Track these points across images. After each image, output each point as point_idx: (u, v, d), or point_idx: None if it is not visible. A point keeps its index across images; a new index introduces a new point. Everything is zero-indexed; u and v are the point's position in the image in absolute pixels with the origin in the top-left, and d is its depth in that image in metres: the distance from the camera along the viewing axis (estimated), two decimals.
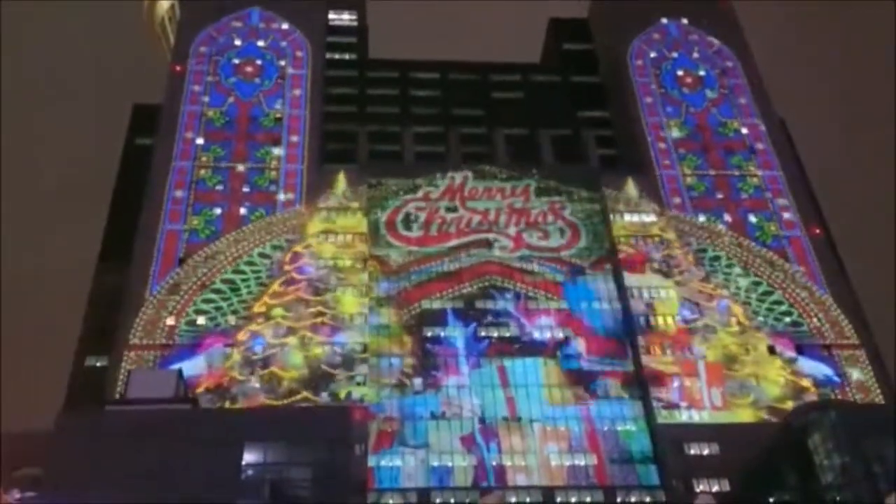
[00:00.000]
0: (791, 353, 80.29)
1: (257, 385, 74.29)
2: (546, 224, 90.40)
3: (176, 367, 71.46)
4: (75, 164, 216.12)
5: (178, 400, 64.40)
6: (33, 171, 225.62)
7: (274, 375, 75.13)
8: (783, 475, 64.09)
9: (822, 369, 79.60)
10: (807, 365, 79.71)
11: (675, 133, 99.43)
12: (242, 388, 74.07)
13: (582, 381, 78.41)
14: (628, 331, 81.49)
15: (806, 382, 78.21)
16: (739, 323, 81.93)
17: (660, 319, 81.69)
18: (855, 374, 79.41)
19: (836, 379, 79.13)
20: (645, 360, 78.43)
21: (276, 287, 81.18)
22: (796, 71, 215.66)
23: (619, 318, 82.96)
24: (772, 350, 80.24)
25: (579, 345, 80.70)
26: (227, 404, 72.65)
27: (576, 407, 76.40)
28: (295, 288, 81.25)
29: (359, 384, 75.16)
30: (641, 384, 77.54)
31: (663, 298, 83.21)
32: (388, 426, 74.16)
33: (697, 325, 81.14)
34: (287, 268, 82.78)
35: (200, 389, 73.21)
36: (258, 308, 79.43)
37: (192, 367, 74.31)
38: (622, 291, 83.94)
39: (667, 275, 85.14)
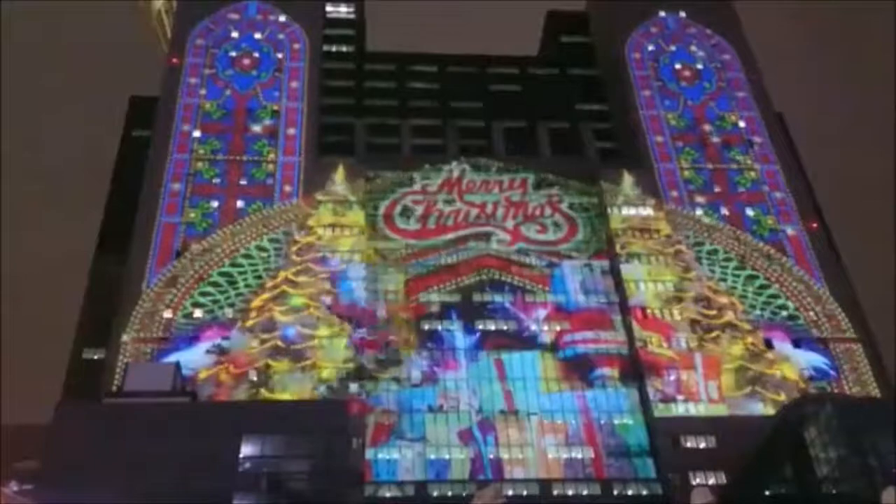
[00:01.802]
0: (788, 347, 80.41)
1: (297, 375, 74.30)
2: (544, 217, 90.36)
3: (173, 359, 71.45)
4: (72, 156, 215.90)
5: (177, 393, 64.43)
6: (31, 164, 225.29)
7: (316, 367, 75.26)
8: (780, 468, 64.20)
9: (819, 363, 79.75)
10: (803, 358, 79.89)
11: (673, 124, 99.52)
12: (282, 379, 73.98)
13: (579, 372, 78.50)
14: (625, 323, 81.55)
15: (803, 376, 78.38)
16: (738, 317, 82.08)
17: (657, 312, 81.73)
18: (851, 368, 79.56)
19: (832, 372, 79.31)
20: (642, 352, 78.51)
21: (290, 276, 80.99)
22: (794, 64, 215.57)
23: (616, 311, 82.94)
24: (769, 344, 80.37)
25: (576, 337, 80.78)
26: (265, 392, 72.72)
27: (573, 400, 76.49)
28: (315, 279, 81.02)
29: (356, 378, 75.12)
30: (638, 374, 77.62)
31: (661, 291, 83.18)
32: (386, 419, 74.18)
33: (717, 322, 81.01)
34: (296, 258, 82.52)
35: (212, 376, 73.30)
36: (261, 300, 79.03)
37: (192, 357, 74.21)
38: (620, 284, 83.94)
39: (669, 268, 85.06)
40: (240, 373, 74.09)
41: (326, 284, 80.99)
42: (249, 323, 77.45)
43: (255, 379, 73.77)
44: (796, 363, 79.33)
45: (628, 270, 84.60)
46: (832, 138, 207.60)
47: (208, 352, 75.38)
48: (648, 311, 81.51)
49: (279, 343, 76.23)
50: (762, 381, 77.14)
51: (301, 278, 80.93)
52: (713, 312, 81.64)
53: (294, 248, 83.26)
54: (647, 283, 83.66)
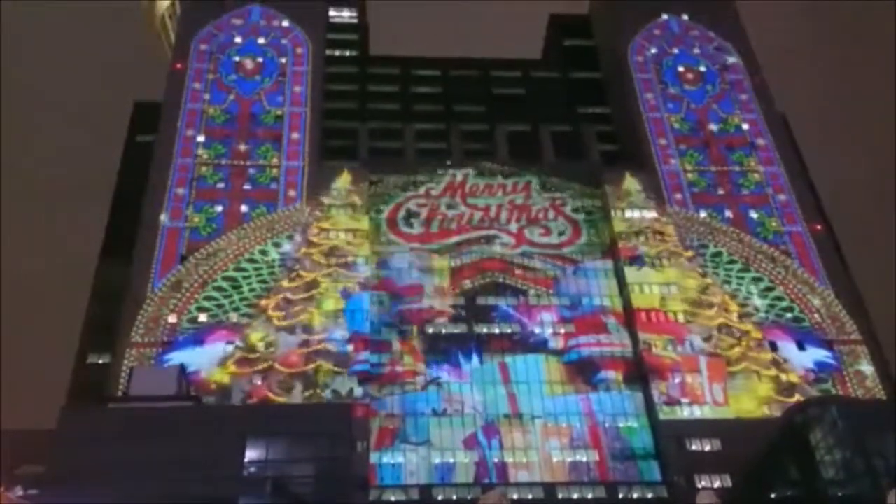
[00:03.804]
0: (793, 349, 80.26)
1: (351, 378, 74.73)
2: (547, 220, 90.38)
3: (177, 362, 71.76)
4: (77, 161, 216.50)
5: (181, 397, 64.57)
6: (35, 169, 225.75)
7: None
8: (785, 471, 64.07)
9: (823, 365, 79.60)
10: (808, 360, 79.74)
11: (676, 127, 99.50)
12: (342, 381, 74.29)
13: (584, 375, 78.45)
14: (629, 326, 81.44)
15: (807, 378, 78.22)
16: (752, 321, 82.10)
17: (661, 315, 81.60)
18: (856, 370, 79.40)
19: (834, 363, 79.24)
20: (646, 355, 78.40)
21: (319, 278, 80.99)
22: (797, 66, 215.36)
23: (620, 314, 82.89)
24: (773, 346, 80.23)
25: (580, 340, 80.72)
26: (320, 392, 73.09)
27: (578, 403, 76.45)
28: (346, 283, 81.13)
29: (361, 381, 75.16)
30: (643, 377, 77.53)
31: (665, 294, 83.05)
32: (390, 423, 74.22)
33: (741, 328, 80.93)
34: (317, 260, 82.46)
35: (246, 376, 73.80)
36: (282, 300, 79.04)
37: (201, 359, 74.52)
38: (624, 287, 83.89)
39: (686, 271, 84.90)
40: (289, 373, 74.32)
41: (357, 288, 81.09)
42: (283, 324, 77.44)
43: (306, 380, 74.02)
44: (800, 365, 79.21)
45: (635, 273, 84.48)
46: (836, 140, 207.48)
47: (231, 346, 75.49)
48: (665, 314, 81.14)
49: (328, 346, 76.38)
50: (800, 387, 76.91)
51: (327, 281, 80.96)
52: (733, 317, 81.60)
53: (314, 251, 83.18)
54: (658, 286, 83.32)
